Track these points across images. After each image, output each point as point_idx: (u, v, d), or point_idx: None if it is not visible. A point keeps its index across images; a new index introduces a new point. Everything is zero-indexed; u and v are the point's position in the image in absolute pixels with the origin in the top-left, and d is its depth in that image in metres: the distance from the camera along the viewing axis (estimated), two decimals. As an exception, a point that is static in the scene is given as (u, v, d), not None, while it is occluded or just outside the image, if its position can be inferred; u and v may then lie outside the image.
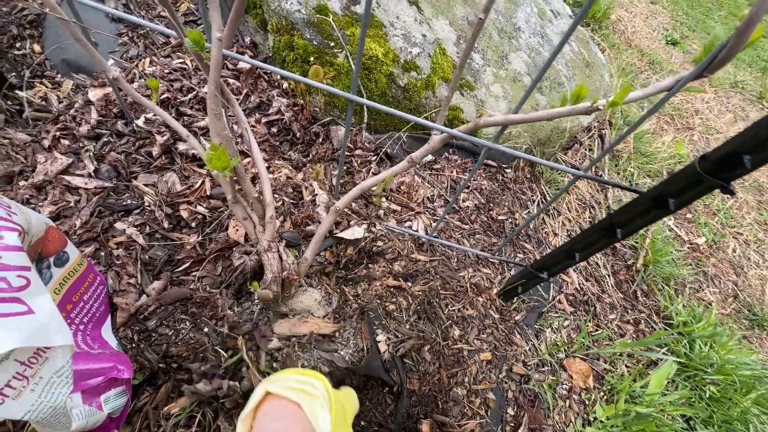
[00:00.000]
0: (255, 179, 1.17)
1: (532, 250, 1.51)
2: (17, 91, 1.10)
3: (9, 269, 0.54)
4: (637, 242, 1.84)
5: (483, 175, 1.54)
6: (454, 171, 1.47)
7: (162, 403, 0.83)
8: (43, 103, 1.11)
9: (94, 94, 1.14)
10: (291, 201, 1.13)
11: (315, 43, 1.28)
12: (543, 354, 1.28)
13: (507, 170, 1.63)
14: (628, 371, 1.41)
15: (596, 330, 1.48)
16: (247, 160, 1.16)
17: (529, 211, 1.62)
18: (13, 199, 0.95)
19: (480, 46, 1.71)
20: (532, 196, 1.67)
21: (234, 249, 1.01)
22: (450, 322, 1.14)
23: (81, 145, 1.07)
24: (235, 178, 0.91)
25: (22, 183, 0.99)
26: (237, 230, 1.03)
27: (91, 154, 1.06)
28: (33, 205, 0.97)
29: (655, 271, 1.77)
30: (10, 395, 0.52)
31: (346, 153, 1.29)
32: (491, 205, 1.49)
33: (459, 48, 1.63)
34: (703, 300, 1.88)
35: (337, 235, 1.09)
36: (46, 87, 1.13)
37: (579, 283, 1.57)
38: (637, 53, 3.40)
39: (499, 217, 1.47)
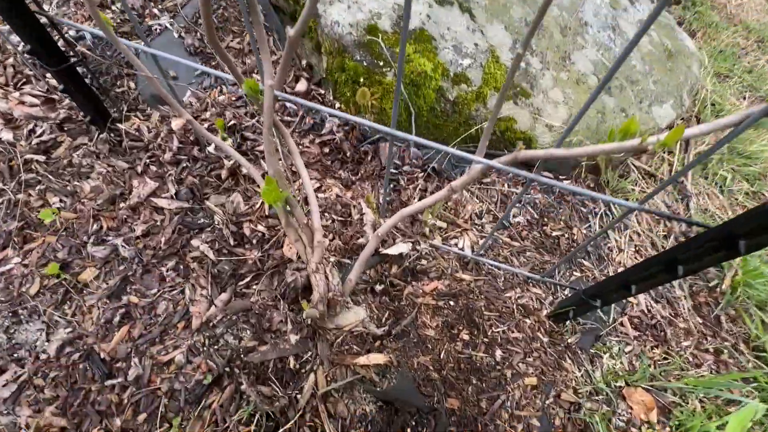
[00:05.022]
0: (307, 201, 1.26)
1: (591, 268, 1.42)
2: (118, 124, 1.30)
3: None
4: (724, 260, 1.62)
5: (537, 188, 1.48)
6: (505, 185, 1.43)
7: (227, 402, 0.96)
8: (137, 133, 1.30)
9: (176, 124, 1.30)
10: (340, 219, 1.20)
11: (365, 63, 1.32)
12: (598, 382, 1.21)
13: (565, 182, 1.53)
14: (702, 407, 1.28)
15: (665, 358, 1.36)
16: (299, 182, 1.25)
17: (589, 225, 1.51)
18: (114, 219, 1.14)
19: (538, 48, 1.61)
20: (594, 208, 1.56)
21: (288, 265, 1.10)
22: (493, 344, 1.13)
23: (165, 170, 1.25)
24: (287, 206, 1.00)
25: (121, 205, 1.18)
26: (290, 248, 1.13)
27: (173, 178, 1.23)
28: (129, 224, 1.15)
29: (747, 294, 1.55)
30: None
31: (394, 170, 1.33)
32: (545, 219, 1.42)
33: (514, 53, 1.55)
34: (812, 330, 1.60)
35: (383, 252, 1.14)
36: (139, 119, 1.33)
37: (647, 305, 1.44)
38: (742, 31, 2.92)
39: (554, 233, 1.40)
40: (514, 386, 1.09)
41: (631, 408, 1.23)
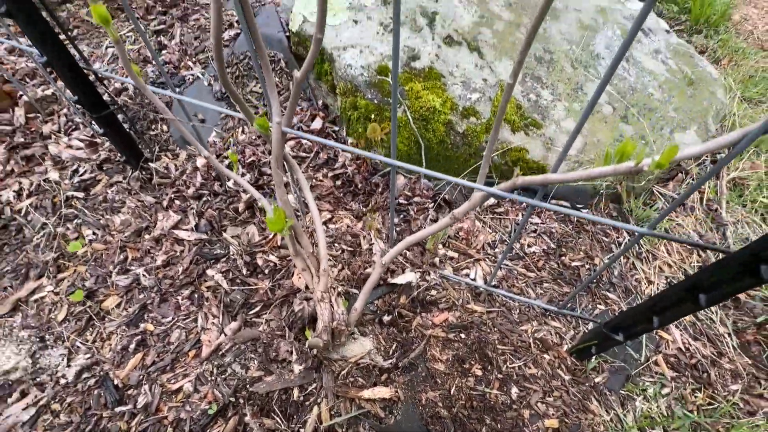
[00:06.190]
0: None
1: (616, 301, 1.33)
2: (150, 163, 1.42)
3: None
4: (772, 293, 1.48)
5: (553, 217, 1.44)
6: (519, 214, 1.40)
7: (230, 434, 0.95)
8: (165, 171, 1.41)
9: (200, 162, 1.40)
10: (349, 249, 1.21)
11: (375, 101, 1.39)
12: (630, 427, 1.10)
13: (583, 210, 1.49)
14: (759, 463, 1.12)
15: (710, 404, 1.22)
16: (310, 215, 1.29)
17: (612, 256, 1.44)
18: (139, 250, 1.21)
19: (549, 80, 1.63)
20: (618, 237, 1.49)
21: (297, 295, 1.12)
22: (508, 380, 1.06)
23: (188, 204, 1.33)
24: (295, 235, 1.03)
25: (146, 237, 1.26)
26: (300, 278, 1.14)
27: (194, 211, 1.30)
28: (152, 254, 1.22)
29: (803, 332, 1.39)
30: None
31: (404, 201, 1.34)
32: (563, 249, 1.37)
33: (524, 86, 1.58)
34: None
35: (390, 281, 1.13)
36: (168, 158, 1.44)
37: (684, 342, 1.32)
38: (771, 56, 2.83)
39: (573, 264, 1.34)
40: (533, 428, 1.01)
41: (673, 460, 1.09)
